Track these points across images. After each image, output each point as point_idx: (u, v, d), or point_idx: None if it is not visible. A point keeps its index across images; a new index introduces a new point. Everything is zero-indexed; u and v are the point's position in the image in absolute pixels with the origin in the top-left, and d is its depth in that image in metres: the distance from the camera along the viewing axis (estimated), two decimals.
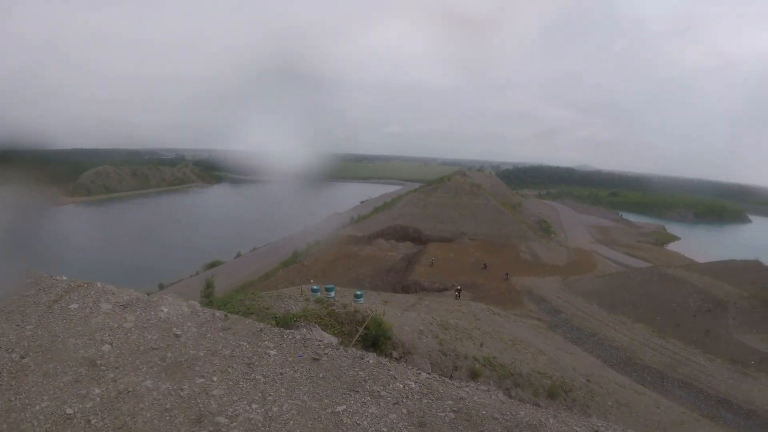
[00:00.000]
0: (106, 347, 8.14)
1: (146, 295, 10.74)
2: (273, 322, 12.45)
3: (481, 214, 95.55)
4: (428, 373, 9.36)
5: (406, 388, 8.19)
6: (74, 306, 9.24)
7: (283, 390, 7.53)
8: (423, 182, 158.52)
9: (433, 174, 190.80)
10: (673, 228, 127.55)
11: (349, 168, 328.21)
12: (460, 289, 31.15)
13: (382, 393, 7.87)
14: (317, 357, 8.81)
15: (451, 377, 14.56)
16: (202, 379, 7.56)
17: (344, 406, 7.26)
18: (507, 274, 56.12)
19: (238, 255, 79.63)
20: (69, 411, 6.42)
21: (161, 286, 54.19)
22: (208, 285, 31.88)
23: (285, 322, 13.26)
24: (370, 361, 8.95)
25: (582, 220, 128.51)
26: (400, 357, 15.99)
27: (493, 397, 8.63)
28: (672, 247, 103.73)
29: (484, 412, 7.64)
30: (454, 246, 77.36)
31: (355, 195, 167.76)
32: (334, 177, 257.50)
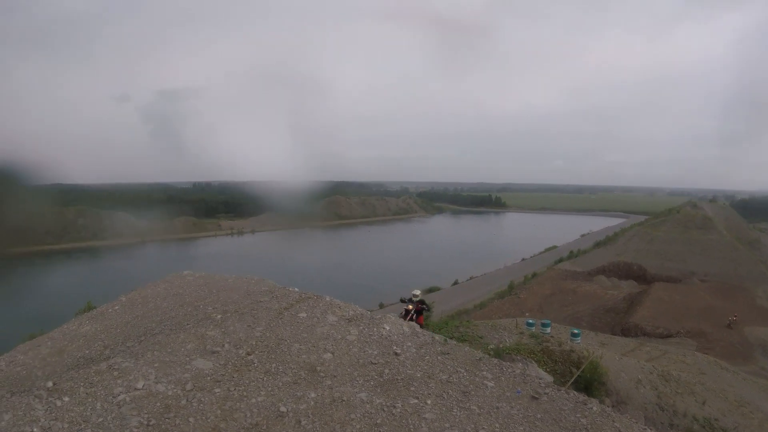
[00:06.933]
0: (328, 356, 8.48)
1: (369, 312, 11.09)
2: (491, 353, 11.90)
3: (713, 252, 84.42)
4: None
5: None
6: (303, 315, 9.96)
7: (497, 425, 6.91)
8: (648, 215, 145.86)
9: (659, 205, 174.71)
10: None
11: (568, 199, 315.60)
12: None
13: None
14: (536, 396, 8.00)
15: None
16: (416, 400, 7.30)
17: None
18: (730, 324, 47.45)
19: (455, 282, 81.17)
20: (282, 409, 6.72)
21: (381, 306, 57.62)
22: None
23: (498, 353, 12.63)
24: (594, 409, 7.79)
25: None
26: (613, 406, 14.52)
27: None
28: None
29: None
30: (682, 287, 68.90)
31: (575, 228, 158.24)
32: (552, 209, 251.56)
